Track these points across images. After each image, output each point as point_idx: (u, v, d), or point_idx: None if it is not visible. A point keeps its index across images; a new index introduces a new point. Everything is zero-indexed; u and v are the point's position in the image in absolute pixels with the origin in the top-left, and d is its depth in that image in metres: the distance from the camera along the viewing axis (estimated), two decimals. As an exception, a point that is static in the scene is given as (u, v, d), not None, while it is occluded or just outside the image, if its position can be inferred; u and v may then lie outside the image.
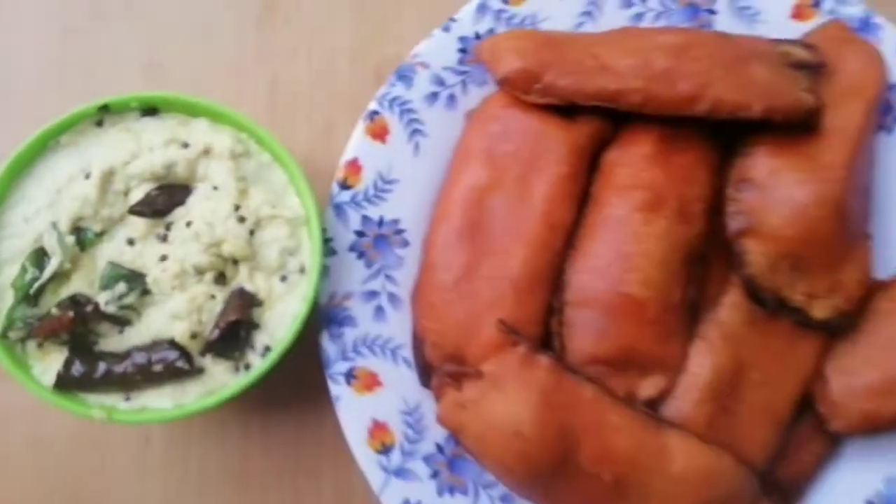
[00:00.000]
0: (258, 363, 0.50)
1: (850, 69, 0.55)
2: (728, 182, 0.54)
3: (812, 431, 0.54)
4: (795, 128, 0.53)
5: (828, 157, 0.52)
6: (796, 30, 0.59)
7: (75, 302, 0.49)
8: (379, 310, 0.55)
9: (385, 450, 0.53)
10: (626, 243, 0.51)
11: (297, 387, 0.59)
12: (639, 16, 0.59)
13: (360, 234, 0.55)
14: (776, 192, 0.52)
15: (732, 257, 0.52)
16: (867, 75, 0.55)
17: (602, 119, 0.55)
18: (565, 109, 0.54)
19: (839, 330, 0.53)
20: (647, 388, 0.52)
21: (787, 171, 0.52)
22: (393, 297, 0.55)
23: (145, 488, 0.58)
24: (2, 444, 0.58)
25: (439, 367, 0.52)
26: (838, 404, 0.52)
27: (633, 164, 0.53)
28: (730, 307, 0.53)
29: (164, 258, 0.50)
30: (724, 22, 0.59)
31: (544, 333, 0.53)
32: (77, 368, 0.48)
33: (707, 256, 0.54)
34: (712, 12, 0.59)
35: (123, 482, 0.58)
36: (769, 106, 0.51)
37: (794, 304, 0.52)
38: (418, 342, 0.54)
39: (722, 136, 0.55)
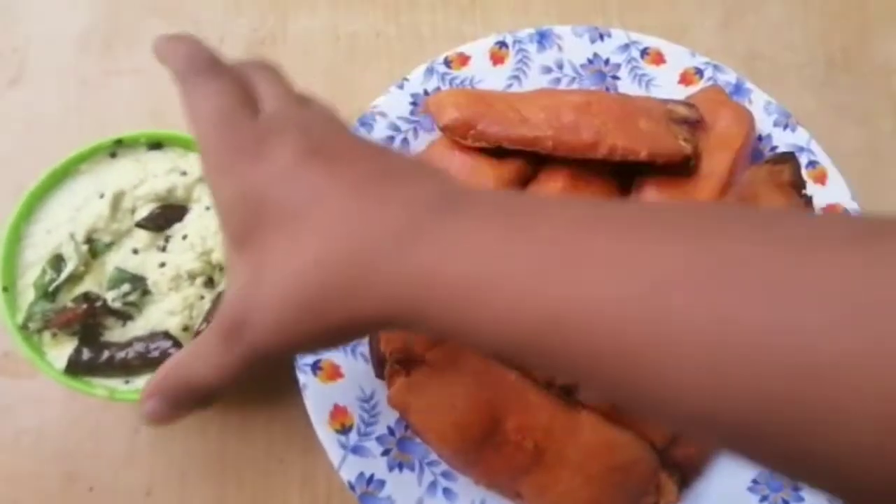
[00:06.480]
0: (239, 352, 0.59)
1: (722, 125, 0.69)
2: (625, 211, 0.67)
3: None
4: (677, 171, 0.66)
5: (700, 195, 0.65)
6: (683, 92, 0.73)
7: (87, 298, 0.58)
8: (341, 313, 0.65)
9: (344, 430, 0.62)
10: (541, 256, 0.63)
11: (269, 387, 0.67)
12: (556, 80, 0.73)
13: (327, 250, 0.66)
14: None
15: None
16: (735, 130, 0.69)
17: (525, 160, 0.67)
18: (495, 152, 0.66)
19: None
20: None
21: (670, 203, 0.65)
22: (353, 303, 0.66)
23: (133, 473, 0.65)
24: (8, 432, 0.66)
25: (391, 358, 0.62)
26: None
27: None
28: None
29: (162, 265, 0.60)
30: (626, 86, 0.73)
31: (478, 332, 0.64)
32: (85, 355, 0.57)
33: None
34: (616, 78, 0.74)
35: (114, 467, 0.65)
36: (652, 151, 0.64)
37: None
38: (374, 339, 0.64)
39: (620, 175, 0.68)
